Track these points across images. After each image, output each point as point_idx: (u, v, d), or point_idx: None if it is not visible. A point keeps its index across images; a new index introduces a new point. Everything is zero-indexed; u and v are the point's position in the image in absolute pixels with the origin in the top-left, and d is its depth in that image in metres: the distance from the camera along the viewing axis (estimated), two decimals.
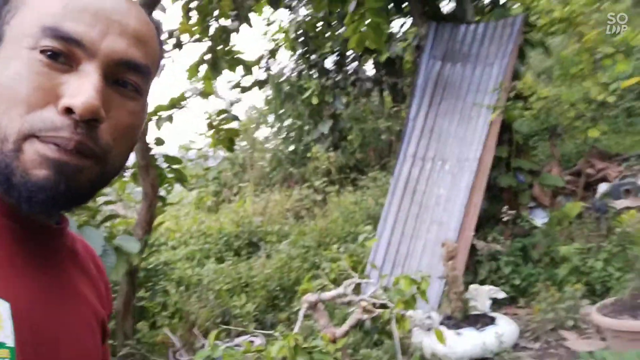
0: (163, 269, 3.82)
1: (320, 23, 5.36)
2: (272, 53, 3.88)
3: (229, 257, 5.94)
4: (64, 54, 0.53)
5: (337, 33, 5.76)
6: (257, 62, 3.82)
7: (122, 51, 0.55)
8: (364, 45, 3.58)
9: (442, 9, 5.63)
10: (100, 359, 0.68)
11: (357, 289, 2.03)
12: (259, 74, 3.98)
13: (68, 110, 0.51)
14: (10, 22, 0.55)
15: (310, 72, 8.09)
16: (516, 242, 4.65)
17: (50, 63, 0.52)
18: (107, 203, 3.77)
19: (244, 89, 3.81)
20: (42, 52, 0.52)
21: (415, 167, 4.98)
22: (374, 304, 1.83)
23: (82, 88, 0.52)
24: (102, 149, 0.54)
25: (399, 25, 8.19)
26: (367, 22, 3.29)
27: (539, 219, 5.14)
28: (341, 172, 8.22)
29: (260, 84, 3.75)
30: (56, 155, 0.51)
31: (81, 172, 0.53)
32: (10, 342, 0.49)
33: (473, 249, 4.50)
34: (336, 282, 2.09)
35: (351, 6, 3.37)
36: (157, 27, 0.63)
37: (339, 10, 3.56)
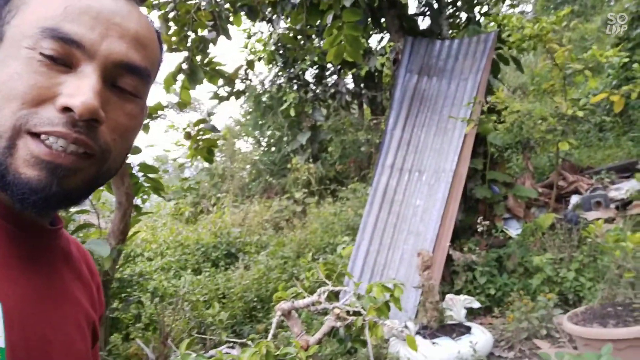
0: (137, 279, 3.76)
1: (299, 36, 5.45)
2: (250, 64, 3.90)
3: (207, 268, 5.88)
4: (63, 55, 0.53)
5: (315, 46, 5.84)
6: (236, 73, 3.83)
7: (122, 53, 0.55)
8: (341, 57, 3.64)
9: (418, 25, 5.76)
10: (90, 356, 0.67)
11: (333, 298, 2.04)
12: (237, 84, 3.99)
13: (66, 110, 0.51)
14: (10, 22, 0.55)
15: (290, 84, 8.15)
16: (491, 252, 4.72)
17: (49, 63, 0.52)
18: (80, 212, 3.71)
19: (222, 99, 3.81)
20: (41, 52, 0.52)
21: (393, 178, 5.04)
22: (347, 312, 1.85)
23: (81, 88, 0.52)
24: (101, 149, 0.54)
25: (377, 40, 8.35)
26: (344, 35, 3.34)
27: (513, 229, 5.24)
28: (321, 184, 8.26)
29: (238, 94, 3.76)
30: (49, 157, 0.51)
31: (76, 173, 0.53)
32: (1, 342, 0.49)
33: (449, 259, 4.55)
34: (311, 291, 2.10)
35: (328, 19, 3.42)
36: (157, 32, 0.63)
37: (317, 23, 3.62)
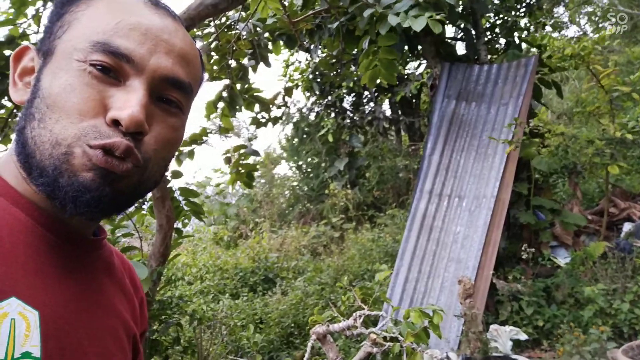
0: (177, 302, 3.82)
1: (335, 62, 5.57)
2: (288, 91, 3.98)
3: (245, 292, 5.90)
4: (113, 68, 0.55)
5: (351, 71, 5.92)
6: (273, 99, 3.92)
7: (168, 69, 0.58)
8: (376, 80, 3.66)
9: (456, 51, 5.74)
10: None
11: (370, 323, 1.99)
12: (275, 111, 4.10)
13: (115, 122, 0.54)
14: (62, 37, 0.57)
15: (328, 112, 8.25)
16: (538, 282, 4.52)
17: (99, 76, 0.54)
18: (125, 235, 3.84)
19: (260, 124, 3.90)
20: (92, 65, 0.54)
21: (432, 203, 4.96)
22: (384, 338, 1.80)
23: (129, 102, 0.54)
24: (143, 158, 0.56)
25: (415, 66, 8.36)
26: (379, 59, 3.37)
27: (562, 258, 5.01)
28: (359, 210, 8.21)
29: (275, 120, 3.84)
30: (103, 163, 0.53)
31: (124, 179, 0.55)
32: (36, 352, 0.50)
33: (493, 288, 4.38)
34: (347, 316, 2.06)
35: (364, 44, 3.47)
36: (199, 51, 0.66)
37: (354, 51, 3.68)
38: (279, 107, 3.75)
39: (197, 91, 0.66)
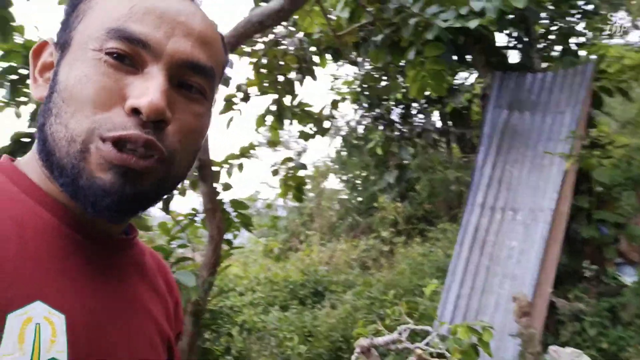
0: (228, 312, 3.90)
1: (380, 74, 5.56)
2: (334, 104, 4.02)
3: (294, 305, 5.93)
4: (129, 55, 0.52)
5: (398, 83, 5.89)
6: (320, 112, 3.97)
7: (187, 52, 0.54)
8: (424, 92, 3.63)
9: (507, 59, 5.57)
10: None
11: (416, 338, 1.94)
12: (323, 123, 4.14)
13: (134, 111, 0.51)
14: (77, 27, 0.55)
15: (376, 124, 8.22)
16: (603, 301, 4.24)
17: (116, 64, 0.52)
18: (180, 247, 3.98)
19: (307, 137, 3.96)
20: (107, 53, 0.52)
21: (484, 217, 4.79)
22: (430, 353, 1.74)
23: (148, 89, 0.51)
24: (168, 150, 0.53)
25: (465, 76, 8.19)
26: (426, 69, 3.34)
27: (628, 276, 4.68)
28: (409, 223, 8.07)
29: (322, 132, 3.88)
30: (121, 161, 0.50)
31: (146, 175, 0.52)
32: (63, 357, 0.47)
33: (553, 307, 4.15)
34: (393, 330, 2.02)
35: (410, 55, 3.45)
36: (221, 34, 0.62)
37: (401, 62, 3.66)
38: (326, 119, 3.77)
39: (220, 76, 0.62)
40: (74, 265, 0.52)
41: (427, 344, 1.83)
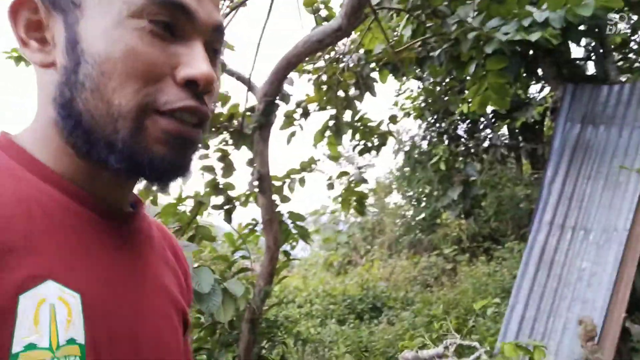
0: (284, 322, 3.99)
1: (443, 87, 5.50)
2: (392, 119, 4.03)
3: (351, 319, 5.93)
4: (171, 23, 0.50)
5: (458, 97, 5.79)
6: (377, 127, 4.00)
7: (216, 18, 0.54)
8: (486, 106, 3.55)
9: (581, 71, 5.31)
10: (182, 352, 0.61)
11: (463, 353, 1.90)
12: (384, 138, 4.17)
13: (188, 83, 0.50)
14: None
15: (441, 139, 8.09)
16: None
17: (161, 34, 0.49)
18: (242, 258, 4.15)
19: (362, 151, 4.01)
20: (152, 21, 0.49)
21: (553, 236, 4.55)
22: None
23: (196, 59, 0.50)
24: (207, 117, 0.53)
25: (537, 89, 7.87)
26: (488, 83, 3.27)
27: None
28: (473, 241, 7.81)
29: (378, 147, 3.91)
30: (181, 133, 0.50)
31: (197, 144, 0.53)
32: (80, 337, 0.45)
33: (626, 333, 3.84)
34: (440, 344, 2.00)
35: (471, 69, 3.40)
36: None
37: (464, 76, 3.63)
38: (385, 134, 3.80)
39: None
40: (86, 242, 0.50)
41: None
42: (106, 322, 0.49)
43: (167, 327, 0.58)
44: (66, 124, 0.51)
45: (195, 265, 1.98)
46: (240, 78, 3.71)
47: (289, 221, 3.80)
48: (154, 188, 0.57)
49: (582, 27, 4.80)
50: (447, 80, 5.79)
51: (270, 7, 3.09)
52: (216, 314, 1.69)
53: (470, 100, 4.58)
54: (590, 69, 5.65)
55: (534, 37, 3.03)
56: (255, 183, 3.45)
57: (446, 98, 5.74)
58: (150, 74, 0.49)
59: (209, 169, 3.65)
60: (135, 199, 0.61)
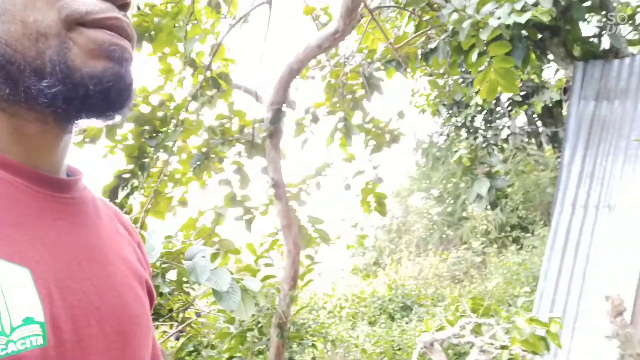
0: (313, 325, 4.04)
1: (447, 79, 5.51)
2: (400, 114, 4.07)
3: (382, 319, 5.93)
4: None
5: (462, 87, 5.79)
6: (386, 126, 4.05)
7: None
8: (495, 93, 3.55)
9: (591, 48, 5.24)
10: (150, 321, 0.58)
11: (480, 332, 1.92)
12: (395, 137, 4.20)
13: None
14: None
15: (458, 133, 8.05)
16: None
17: None
18: (266, 265, 4.24)
19: (373, 150, 4.06)
20: None
21: (576, 216, 4.48)
22: (495, 346, 1.72)
23: None
24: (133, 34, 0.50)
25: (552, 72, 7.76)
26: (494, 69, 3.28)
27: None
28: (501, 232, 7.70)
29: (389, 144, 3.95)
30: (113, 39, 0.46)
31: (132, 58, 0.49)
32: (39, 315, 0.42)
33: None
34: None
35: (473, 57, 3.42)
36: None
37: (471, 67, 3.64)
38: (393, 132, 3.84)
39: None
40: (26, 214, 0.46)
41: (491, 338, 1.81)
42: (64, 298, 0.45)
43: (132, 298, 0.54)
44: None
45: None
46: (247, 91, 3.83)
47: (308, 225, 3.88)
48: (101, 123, 0.50)
49: (587, 4, 4.76)
50: (451, 71, 5.79)
51: (269, 21, 3.19)
52: (237, 311, 1.76)
53: (479, 88, 4.58)
54: (605, 44, 5.56)
55: (524, 18, 3.03)
56: (271, 191, 3.55)
57: (448, 91, 5.74)
58: None
59: (226, 182, 3.77)
60: (72, 169, 0.57)
